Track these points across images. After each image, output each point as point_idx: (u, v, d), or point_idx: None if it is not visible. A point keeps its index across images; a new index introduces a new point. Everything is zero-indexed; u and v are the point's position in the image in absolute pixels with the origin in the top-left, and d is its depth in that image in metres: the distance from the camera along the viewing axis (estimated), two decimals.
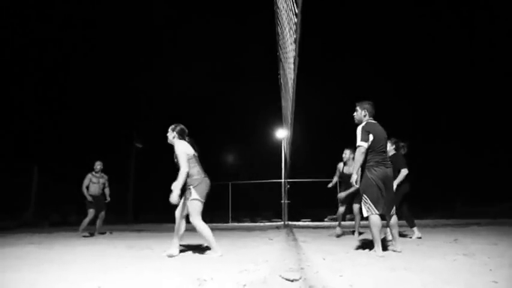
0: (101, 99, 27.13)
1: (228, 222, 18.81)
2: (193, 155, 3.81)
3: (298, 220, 17.78)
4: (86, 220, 7.17)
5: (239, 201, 19.75)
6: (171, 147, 3.92)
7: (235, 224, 17.20)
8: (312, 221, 17.66)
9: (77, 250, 4.37)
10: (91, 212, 7.18)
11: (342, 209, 6.57)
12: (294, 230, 9.64)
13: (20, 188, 15.03)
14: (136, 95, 27.40)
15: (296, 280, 2.17)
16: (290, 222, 15.27)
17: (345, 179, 6.44)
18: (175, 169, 3.75)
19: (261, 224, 16.20)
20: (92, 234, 7.29)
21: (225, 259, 3.29)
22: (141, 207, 23.53)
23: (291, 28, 3.40)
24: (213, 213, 19.78)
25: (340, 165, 6.74)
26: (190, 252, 3.97)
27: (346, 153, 6.52)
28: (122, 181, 22.69)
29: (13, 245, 4.99)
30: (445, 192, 21.35)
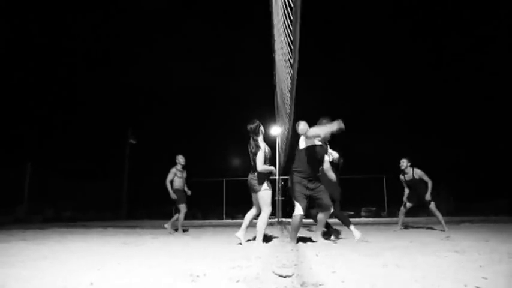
0: (96, 95, 26.94)
1: (222, 218, 18.83)
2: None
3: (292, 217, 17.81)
4: (181, 216, 7.05)
5: (233, 198, 19.76)
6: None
7: (229, 220, 17.21)
8: (305, 218, 17.69)
9: (70, 246, 4.35)
10: (183, 207, 7.05)
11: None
12: (288, 227, 9.67)
13: (13, 184, 14.93)
14: (131, 92, 27.24)
15: (289, 276, 2.18)
16: (284, 219, 15.31)
17: (409, 184, 7.08)
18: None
19: (255, 220, 16.13)
20: (175, 230, 7.16)
21: (218, 255, 3.29)
22: (135, 204, 23.47)
23: (286, 29, 3.36)
24: (207, 209, 19.77)
25: (402, 177, 7.20)
26: (183, 249, 3.98)
27: (404, 162, 7.04)
28: (116, 177, 22.61)
29: (6, 242, 4.96)
30: (439, 189, 21.51)
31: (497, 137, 23.90)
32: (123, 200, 22.29)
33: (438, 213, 6.64)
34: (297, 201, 4.18)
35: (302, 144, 4.31)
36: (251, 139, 4.41)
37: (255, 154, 4.32)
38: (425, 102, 31.47)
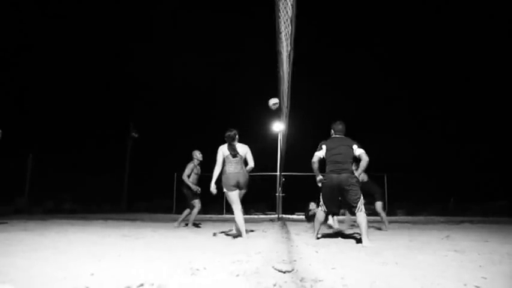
0: (97, 88, 26.92)
1: (222, 213, 18.87)
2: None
3: (292, 213, 17.87)
4: (195, 211, 6.84)
5: None
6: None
7: (229, 215, 17.24)
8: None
9: (71, 237, 4.37)
10: (197, 203, 6.81)
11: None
12: (288, 223, 9.69)
13: (15, 175, 14.99)
14: (133, 85, 27.22)
15: (288, 271, 2.18)
16: (284, 216, 15.35)
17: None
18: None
19: (255, 216, 16.23)
20: (186, 225, 6.95)
21: (218, 249, 3.30)
22: (135, 197, 23.50)
23: (285, 21, 3.36)
24: (207, 204, 19.81)
25: None
26: (183, 243, 3.99)
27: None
28: (118, 170, 22.65)
29: (7, 231, 4.98)
30: (439, 189, 21.51)
31: (498, 138, 23.85)
32: (124, 193, 22.31)
33: (383, 214, 7.06)
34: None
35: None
36: (228, 144, 4.86)
37: (235, 156, 4.81)
38: (426, 102, 31.38)
